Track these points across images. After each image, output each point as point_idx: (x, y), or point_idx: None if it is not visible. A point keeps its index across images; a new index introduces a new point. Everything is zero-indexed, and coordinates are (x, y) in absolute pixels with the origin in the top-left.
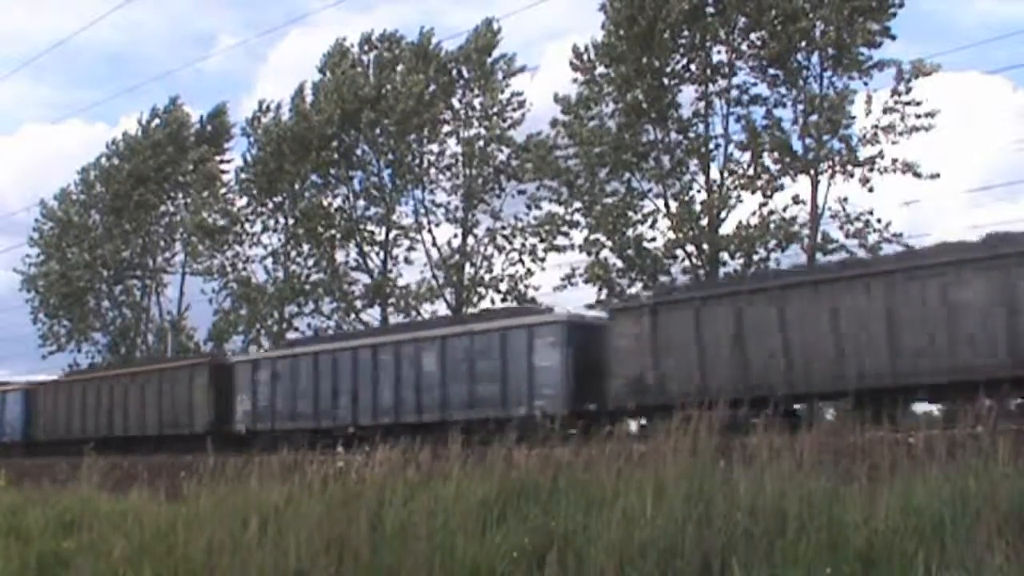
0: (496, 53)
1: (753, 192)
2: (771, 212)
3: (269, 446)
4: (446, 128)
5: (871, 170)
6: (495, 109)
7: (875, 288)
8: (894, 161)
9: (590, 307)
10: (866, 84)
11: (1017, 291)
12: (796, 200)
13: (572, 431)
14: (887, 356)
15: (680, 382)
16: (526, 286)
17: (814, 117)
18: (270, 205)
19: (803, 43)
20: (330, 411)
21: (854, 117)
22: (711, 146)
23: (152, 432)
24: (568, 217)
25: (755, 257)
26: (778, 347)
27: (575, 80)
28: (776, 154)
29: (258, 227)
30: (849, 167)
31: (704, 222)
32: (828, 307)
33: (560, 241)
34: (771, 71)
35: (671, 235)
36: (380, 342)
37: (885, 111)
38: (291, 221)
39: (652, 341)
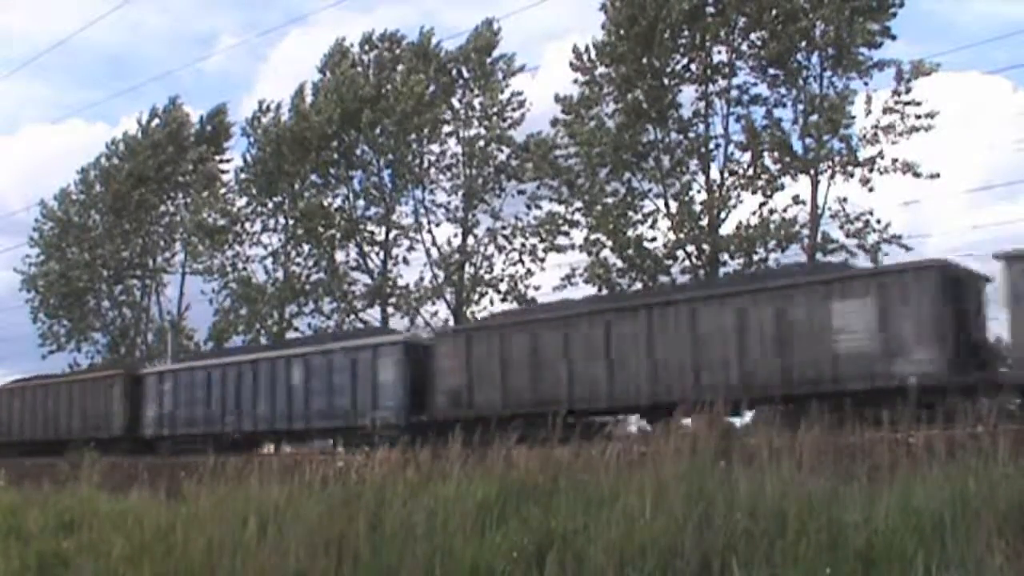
0: (496, 53)
1: (753, 192)
2: (771, 212)
3: (173, 449)
4: (446, 128)
5: (871, 170)
6: (495, 109)
7: (639, 318)
8: (894, 161)
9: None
10: (866, 84)
11: (697, 329)
12: (796, 200)
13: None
14: (646, 379)
15: (487, 398)
16: (526, 286)
17: (814, 117)
18: (270, 205)
19: (803, 43)
20: (219, 419)
21: (854, 117)
22: (711, 146)
23: (77, 435)
24: (568, 216)
25: (755, 257)
26: (562, 369)
27: (575, 80)
28: (776, 154)
29: (258, 227)
30: (849, 167)
31: (704, 222)
32: (603, 334)
33: (560, 241)
34: (771, 71)
35: (671, 235)
36: (258, 358)
37: (885, 111)
38: (291, 221)
39: (466, 362)
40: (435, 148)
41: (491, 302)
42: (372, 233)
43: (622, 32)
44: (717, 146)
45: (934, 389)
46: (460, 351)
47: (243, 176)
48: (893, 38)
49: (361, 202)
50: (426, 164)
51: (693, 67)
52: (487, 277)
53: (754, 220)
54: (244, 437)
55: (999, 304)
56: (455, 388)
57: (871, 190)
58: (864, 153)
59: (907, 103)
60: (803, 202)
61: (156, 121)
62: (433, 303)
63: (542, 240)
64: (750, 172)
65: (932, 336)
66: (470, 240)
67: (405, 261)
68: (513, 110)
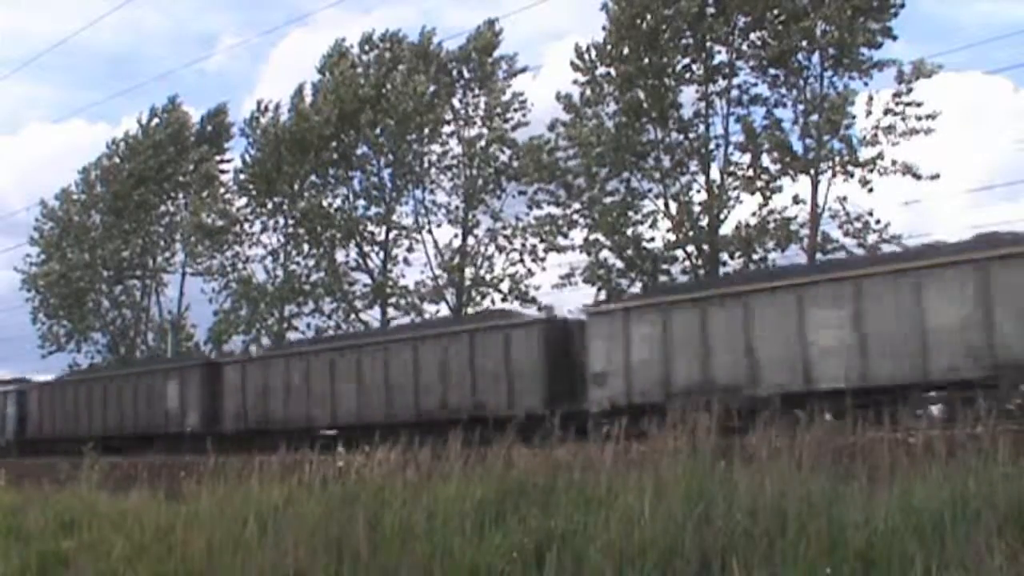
0: (497, 53)
1: (752, 193)
2: (771, 212)
3: None
4: (447, 129)
5: (871, 171)
6: (497, 110)
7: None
8: (894, 163)
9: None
10: (867, 84)
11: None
12: (796, 200)
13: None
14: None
15: (55, 428)
16: (526, 286)
17: (814, 117)
18: (269, 205)
19: (804, 43)
20: None
21: (855, 117)
22: (711, 146)
23: None
24: (567, 215)
25: (755, 257)
26: (95, 411)
27: (575, 81)
28: (776, 154)
29: (257, 227)
30: (849, 167)
31: (704, 222)
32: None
33: (560, 241)
34: (772, 71)
35: (671, 235)
36: None
37: (885, 112)
38: (290, 221)
39: (49, 404)
40: (436, 148)
41: (492, 302)
42: (372, 233)
43: (623, 33)
44: (717, 146)
45: (196, 434)
46: (44, 397)
47: (242, 176)
48: (894, 38)
49: (361, 202)
50: (426, 164)
51: (694, 67)
52: (488, 277)
53: (753, 220)
54: None
55: None
56: (37, 419)
57: (871, 191)
58: (864, 154)
59: (908, 103)
60: (803, 202)
61: (156, 121)
62: (436, 303)
63: (542, 240)
64: (750, 173)
65: (198, 405)
66: (470, 240)
67: (406, 261)
68: (515, 111)
